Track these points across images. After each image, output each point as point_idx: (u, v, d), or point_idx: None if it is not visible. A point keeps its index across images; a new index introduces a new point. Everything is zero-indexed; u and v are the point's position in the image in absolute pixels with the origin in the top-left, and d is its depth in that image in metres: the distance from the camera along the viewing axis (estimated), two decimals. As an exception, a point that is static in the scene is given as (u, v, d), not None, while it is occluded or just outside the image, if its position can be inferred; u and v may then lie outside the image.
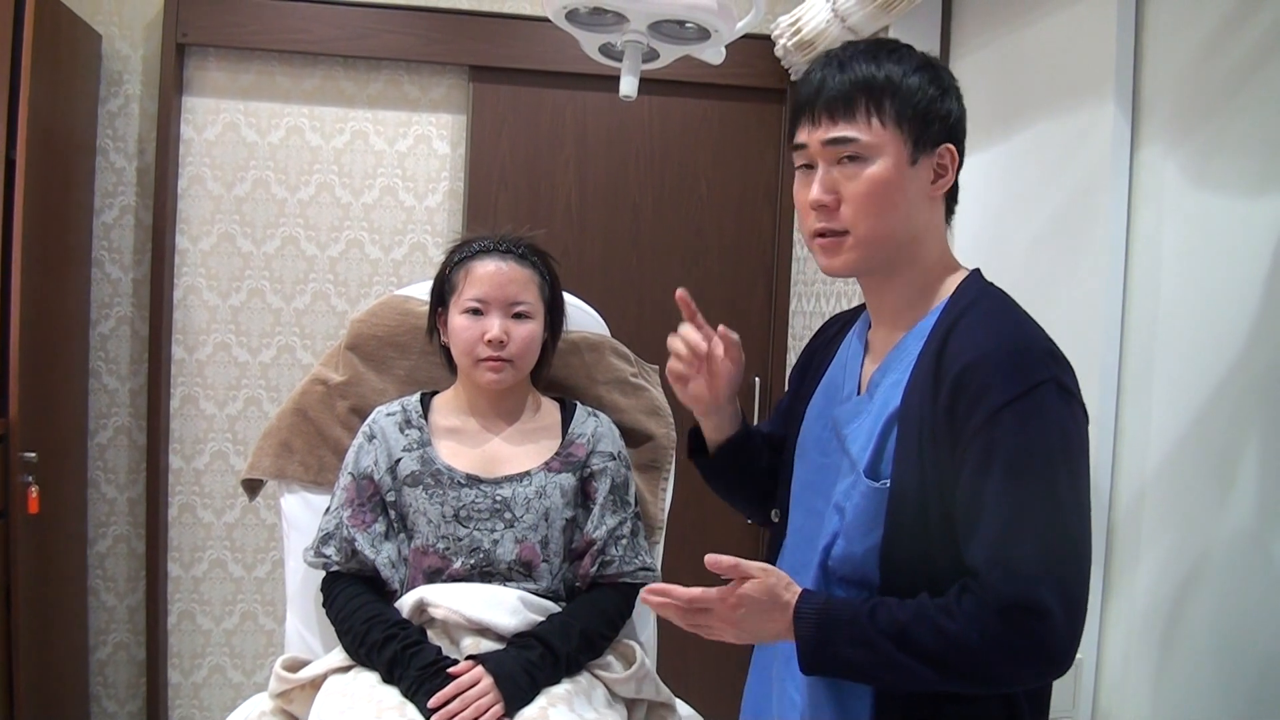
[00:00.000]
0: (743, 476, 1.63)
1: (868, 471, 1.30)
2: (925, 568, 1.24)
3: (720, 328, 1.52)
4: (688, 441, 1.66)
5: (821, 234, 1.33)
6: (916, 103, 1.31)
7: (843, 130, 1.30)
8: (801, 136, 1.35)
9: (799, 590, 1.28)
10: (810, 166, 1.35)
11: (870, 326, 1.45)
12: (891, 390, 1.32)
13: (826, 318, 2.90)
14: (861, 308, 1.54)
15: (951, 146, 1.34)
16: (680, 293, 1.53)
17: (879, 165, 1.29)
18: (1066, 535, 1.19)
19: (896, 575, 1.26)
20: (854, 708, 1.30)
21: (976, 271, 1.39)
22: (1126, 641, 1.83)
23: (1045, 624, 1.15)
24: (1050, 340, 1.27)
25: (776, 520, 1.55)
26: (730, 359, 1.53)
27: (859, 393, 1.41)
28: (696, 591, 1.28)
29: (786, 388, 1.68)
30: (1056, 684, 1.36)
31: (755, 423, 3.24)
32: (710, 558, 1.26)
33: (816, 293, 3.05)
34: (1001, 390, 1.19)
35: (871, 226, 1.30)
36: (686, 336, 1.53)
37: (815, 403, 1.50)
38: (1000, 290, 1.36)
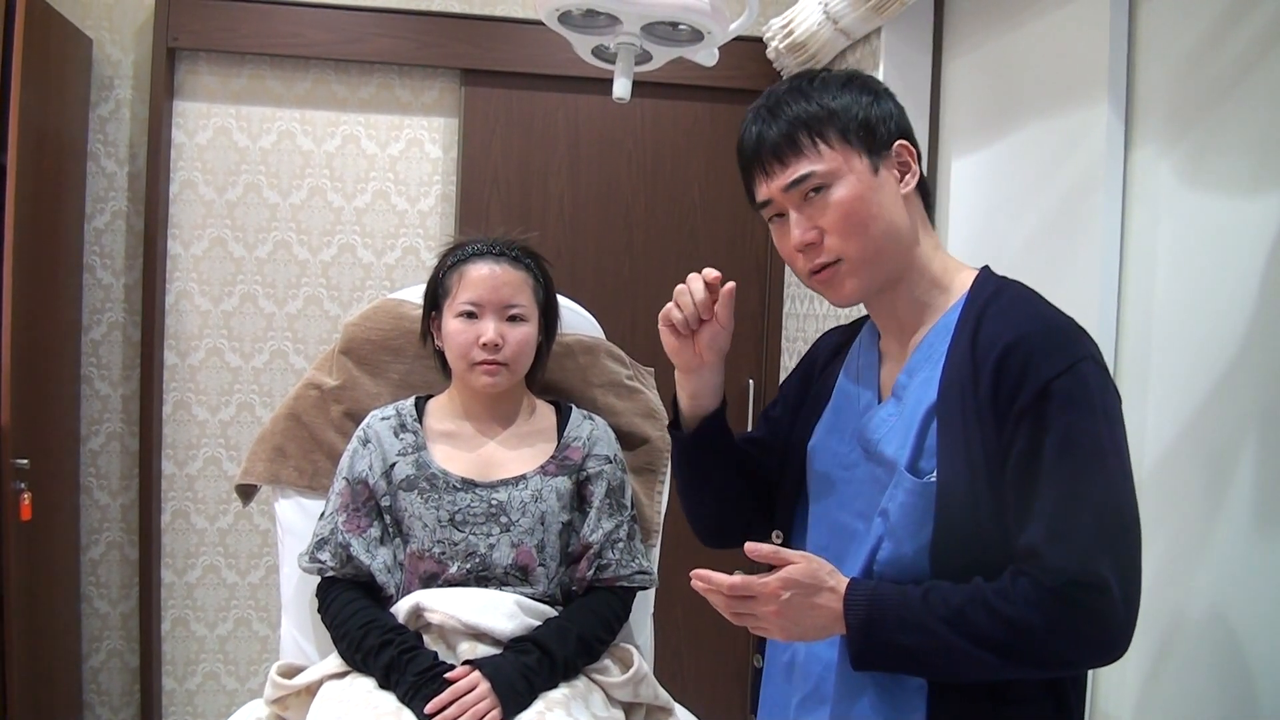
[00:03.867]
0: (719, 463, 1.53)
1: (909, 469, 1.29)
2: (978, 559, 1.23)
3: (727, 285, 1.42)
4: (671, 410, 1.56)
5: (816, 270, 1.34)
6: (855, 115, 1.33)
7: (797, 169, 1.32)
8: (762, 193, 1.37)
9: (845, 579, 1.27)
10: (781, 215, 1.36)
11: (880, 337, 1.45)
12: (923, 388, 1.32)
13: (820, 319, 2.91)
14: (861, 321, 1.54)
15: (904, 142, 1.35)
16: (729, 285, 1.42)
17: (844, 187, 1.31)
18: (1120, 512, 1.20)
19: (950, 571, 1.25)
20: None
21: (987, 267, 1.40)
22: (1123, 642, 1.82)
23: (1105, 600, 1.15)
24: (1075, 321, 1.28)
25: (779, 541, 1.52)
26: (721, 318, 1.43)
27: (880, 400, 1.40)
28: (739, 579, 1.26)
29: (779, 393, 1.64)
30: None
31: (749, 427, 3.25)
32: (749, 545, 1.26)
33: (809, 295, 3.05)
34: (1046, 367, 1.20)
35: (860, 246, 1.31)
36: (696, 292, 1.41)
37: (826, 420, 1.49)
38: (1017, 280, 1.37)
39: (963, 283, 1.37)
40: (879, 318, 1.43)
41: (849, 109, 1.32)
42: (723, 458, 1.54)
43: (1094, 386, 1.21)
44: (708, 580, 1.28)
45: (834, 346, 1.57)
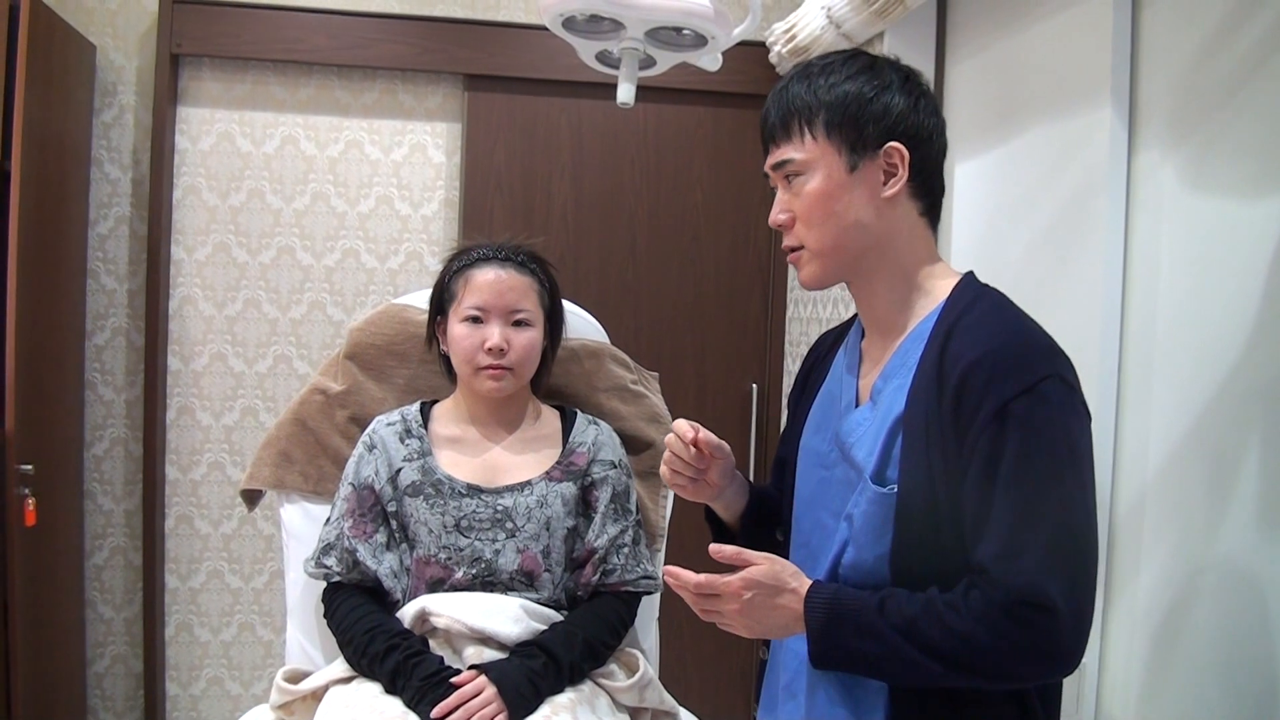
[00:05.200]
0: (768, 525, 1.59)
1: (874, 478, 1.31)
2: (936, 571, 1.25)
3: (700, 434, 1.47)
4: (710, 527, 1.65)
5: (788, 250, 1.41)
6: (846, 108, 1.33)
7: (782, 153, 1.38)
8: (765, 165, 1.42)
9: (808, 581, 1.30)
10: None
11: (864, 336, 1.46)
12: (895, 395, 1.33)
13: (823, 323, 2.92)
14: (852, 320, 1.55)
15: (898, 145, 1.33)
16: (705, 435, 1.48)
17: (815, 179, 1.35)
18: (1073, 532, 1.20)
19: (908, 580, 1.27)
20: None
21: (971, 274, 1.40)
22: (1129, 646, 1.83)
23: (1052, 620, 1.16)
24: (1049, 337, 1.28)
25: (781, 539, 1.55)
26: (719, 454, 1.50)
27: (857, 403, 1.42)
28: (703, 577, 1.30)
29: (788, 411, 1.67)
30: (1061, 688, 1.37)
31: (751, 435, 3.25)
32: (714, 547, 1.30)
33: (813, 298, 3.05)
34: (1006, 386, 1.21)
35: (818, 238, 1.36)
36: (682, 453, 1.49)
37: (813, 417, 1.51)
38: (997, 290, 1.37)
39: (943, 289, 1.37)
40: (862, 312, 1.46)
41: (841, 103, 1.33)
42: (768, 519, 1.59)
43: (1055, 406, 1.21)
44: (677, 577, 1.32)
45: (827, 347, 1.59)
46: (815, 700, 1.36)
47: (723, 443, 1.50)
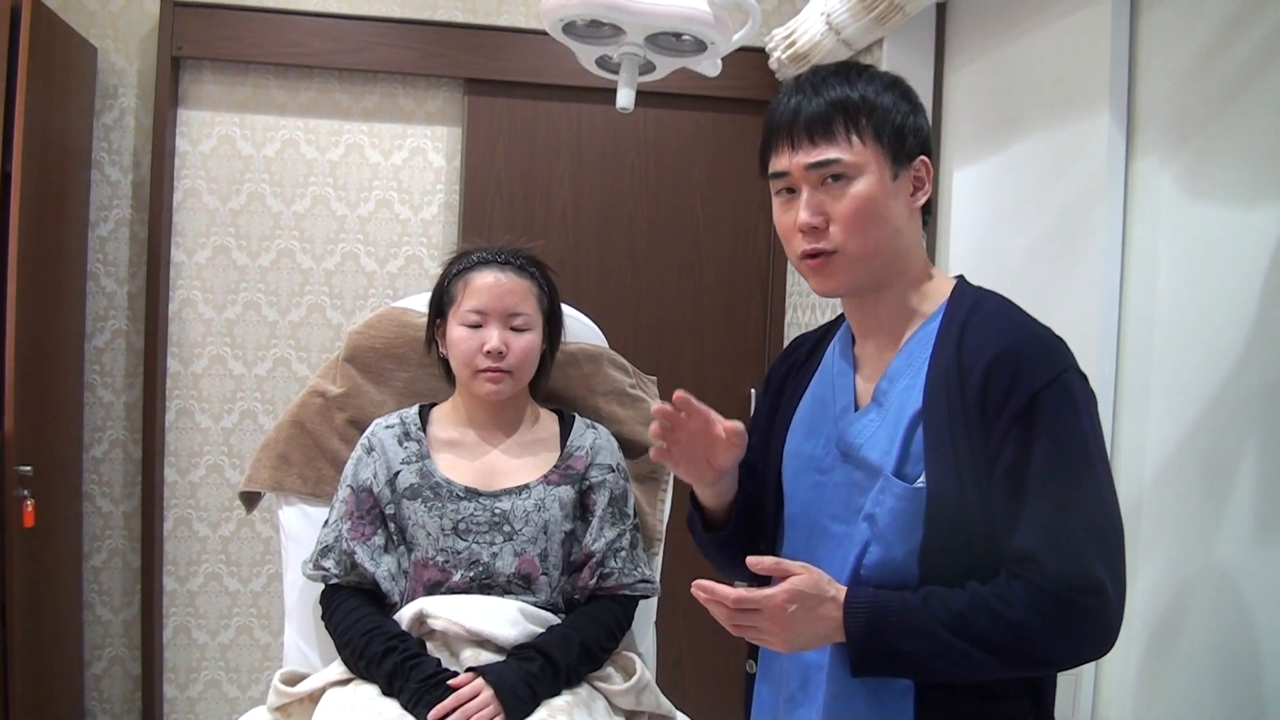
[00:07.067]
0: (750, 537, 1.54)
1: (896, 474, 1.31)
2: (965, 564, 1.26)
3: (727, 425, 1.38)
4: (698, 521, 1.56)
5: (811, 255, 1.35)
6: (892, 119, 1.34)
7: (825, 152, 1.33)
8: (781, 163, 1.37)
9: (843, 588, 1.29)
10: (791, 191, 1.37)
11: (854, 342, 1.47)
12: (905, 394, 1.34)
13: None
14: (827, 327, 1.56)
15: (926, 159, 1.38)
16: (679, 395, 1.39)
17: (864, 183, 1.32)
18: (1108, 513, 1.25)
19: (938, 574, 1.27)
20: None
21: (962, 277, 1.43)
22: (1125, 650, 1.83)
23: (1103, 601, 1.20)
24: (1053, 331, 1.33)
25: (764, 548, 1.54)
26: (732, 444, 1.40)
27: (856, 406, 1.42)
28: (743, 592, 1.26)
29: (753, 420, 1.62)
30: (1058, 691, 1.38)
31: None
32: (752, 559, 1.28)
33: (812, 304, 3.05)
34: (1034, 378, 1.24)
35: (861, 244, 1.33)
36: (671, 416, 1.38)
37: (799, 425, 1.50)
38: (994, 291, 1.40)
39: (941, 292, 1.40)
40: (860, 319, 1.45)
41: (889, 110, 1.34)
42: (747, 521, 1.55)
43: (1079, 396, 1.26)
44: (710, 591, 1.27)
45: (804, 353, 1.58)
46: (833, 707, 1.34)
47: (739, 427, 1.39)
